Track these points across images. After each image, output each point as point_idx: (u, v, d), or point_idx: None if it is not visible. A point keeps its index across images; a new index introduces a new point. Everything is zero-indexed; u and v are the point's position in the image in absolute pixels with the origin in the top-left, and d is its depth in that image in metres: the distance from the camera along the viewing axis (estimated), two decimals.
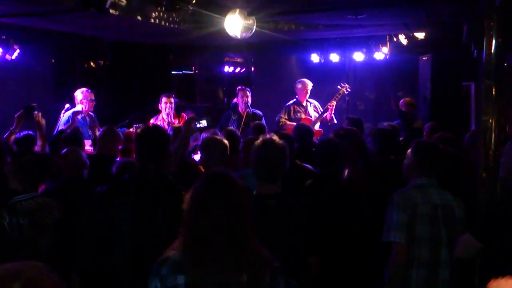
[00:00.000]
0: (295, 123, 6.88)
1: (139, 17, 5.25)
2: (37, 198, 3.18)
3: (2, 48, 6.74)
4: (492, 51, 3.61)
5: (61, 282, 1.49)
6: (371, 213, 3.77)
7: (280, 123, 7.05)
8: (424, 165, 3.06)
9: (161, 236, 2.65)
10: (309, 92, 7.22)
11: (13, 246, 2.94)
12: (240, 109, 6.95)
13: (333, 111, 7.10)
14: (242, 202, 1.99)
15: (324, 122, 7.17)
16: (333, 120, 7.14)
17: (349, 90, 7.42)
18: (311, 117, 7.12)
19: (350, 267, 3.55)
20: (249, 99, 6.95)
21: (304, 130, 4.99)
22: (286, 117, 7.11)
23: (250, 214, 2.00)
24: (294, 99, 7.26)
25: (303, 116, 7.13)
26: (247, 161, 3.60)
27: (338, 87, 7.31)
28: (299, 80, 7.35)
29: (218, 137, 3.36)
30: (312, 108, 7.24)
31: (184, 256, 1.91)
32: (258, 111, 7.01)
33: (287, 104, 7.24)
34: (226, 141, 3.36)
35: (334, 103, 7.10)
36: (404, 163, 3.20)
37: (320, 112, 7.19)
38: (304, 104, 7.21)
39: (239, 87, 7.16)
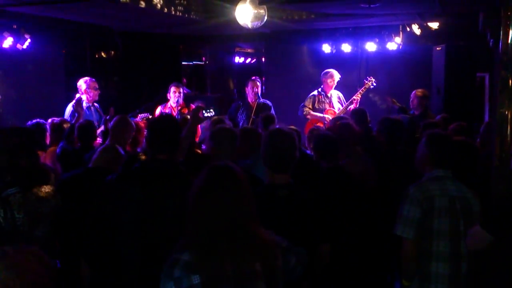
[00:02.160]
0: (318, 114, 6.90)
1: (149, 6, 5.22)
2: (33, 189, 3.08)
3: (14, 38, 6.75)
4: (509, 41, 3.54)
5: (50, 269, 1.55)
6: (379, 203, 3.76)
7: (304, 112, 7.01)
8: (439, 157, 3.01)
9: (169, 226, 2.64)
10: (335, 83, 7.12)
11: (6, 238, 2.90)
12: (249, 99, 6.91)
13: (357, 105, 6.95)
14: (246, 193, 1.97)
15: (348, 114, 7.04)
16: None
17: (375, 84, 7.20)
18: (334, 108, 7.06)
19: (360, 256, 3.54)
20: (259, 90, 6.90)
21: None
22: (310, 106, 7.05)
23: (254, 203, 1.99)
24: (320, 89, 7.16)
25: (327, 107, 7.06)
26: (244, 151, 3.59)
27: (364, 81, 7.18)
28: (326, 70, 7.24)
29: (227, 127, 3.32)
30: (336, 99, 7.16)
31: (195, 255, 1.87)
32: (267, 101, 6.96)
33: (312, 93, 7.15)
34: (235, 131, 3.33)
35: (359, 96, 6.98)
36: (417, 155, 3.16)
37: (343, 103, 7.12)
38: (329, 95, 7.13)
39: (252, 77, 7.09)
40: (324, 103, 7.09)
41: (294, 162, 2.77)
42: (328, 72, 7.17)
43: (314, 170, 3.66)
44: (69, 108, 6.09)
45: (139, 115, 6.15)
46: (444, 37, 7.64)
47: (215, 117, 4.84)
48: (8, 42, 6.71)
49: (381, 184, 3.89)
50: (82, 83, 6.23)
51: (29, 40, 6.92)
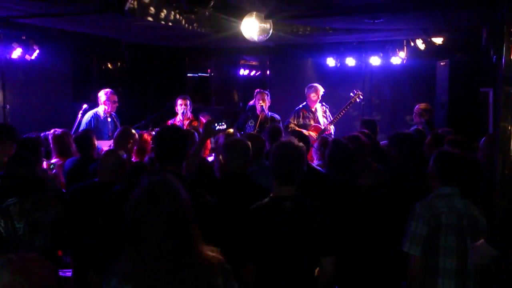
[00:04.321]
0: (303, 130, 6.84)
1: (157, 20, 5.29)
2: (32, 198, 3.10)
3: (22, 48, 6.85)
4: None
5: (53, 271, 1.62)
6: (387, 218, 3.75)
7: (289, 129, 6.90)
8: (447, 174, 3.03)
9: None
10: (319, 97, 7.09)
11: (8, 247, 2.92)
12: (257, 111, 6.92)
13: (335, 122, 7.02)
14: (183, 209, 1.90)
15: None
16: (331, 131, 7.00)
17: (362, 97, 7.25)
18: (320, 123, 7.05)
19: (365, 270, 3.54)
20: (266, 103, 6.89)
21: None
22: (295, 122, 7.01)
23: (192, 217, 1.92)
24: (304, 103, 7.14)
25: (312, 122, 7.04)
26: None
27: (351, 94, 7.21)
28: (310, 84, 7.21)
29: (241, 139, 3.38)
30: (321, 114, 7.12)
31: (130, 266, 1.87)
32: (276, 116, 6.93)
33: (297, 108, 7.13)
34: (248, 143, 3.38)
35: (343, 112, 7.03)
36: (427, 172, 3.18)
37: (328, 118, 7.10)
38: (313, 109, 7.10)
39: (257, 90, 7.10)
40: (309, 118, 7.04)
41: (301, 175, 2.81)
42: (312, 86, 7.12)
43: (323, 183, 3.65)
44: (87, 118, 6.19)
45: (155, 129, 6.17)
46: (448, 52, 7.69)
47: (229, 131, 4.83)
48: (17, 52, 6.80)
49: (394, 198, 3.89)
50: (102, 94, 6.37)
51: (37, 51, 7.02)
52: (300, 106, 7.14)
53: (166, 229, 1.85)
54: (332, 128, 7.00)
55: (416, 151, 4.50)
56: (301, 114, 7.07)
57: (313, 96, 7.05)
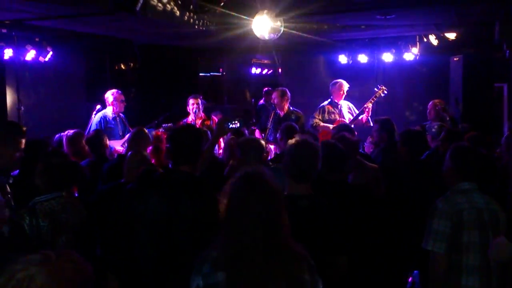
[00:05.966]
0: (329, 125, 6.84)
1: (168, 19, 5.31)
2: (59, 199, 3.13)
3: (36, 50, 6.93)
4: None
5: (88, 269, 1.54)
6: (383, 215, 3.72)
7: (314, 124, 6.92)
8: (465, 170, 2.99)
9: (183, 236, 2.68)
10: (345, 93, 7.06)
11: (30, 246, 2.94)
12: (278, 109, 6.92)
13: (369, 114, 6.92)
14: (277, 200, 2.00)
15: (359, 125, 6.96)
16: (369, 123, 6.85)
17: (386, 92, 7.16)
18: (345, 119, 7.01)
19: (377, 268, 3.52)
20: (276, 100, 6.82)
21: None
22: (320, 117, 6.98)
23: (284, 211, 2.01)
24: (329, 100, 7.10)
25: (337, 117, 7.00)
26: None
27: (375, 89, 7.12)
28: (335, 80, 7.17)
29: (254, 137, 3.39)
30: (346, 110, 7.08)
31: (223, 254, 1.94)
32: (298, 111, 6.87)
33: (322, 104, 7.09)
34: (262, 141, 3.41)
35: (370, 105, 6.93)
36: (443, 168, 3.14)
37: (354, 114, 7.05)
38: (339, 105, 7.06)
39: (279, 88, 7.08)
40: (334, 113, 7.00)
41: (316, 173, 2.80)
42: (337, 82, 7.08)
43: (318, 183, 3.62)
44: (97, 119, 6.25)
45: (163, 124, 6.22)
46: (462, 48, 7.62)
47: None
48: (30, 54, 6.89)
49: (392, 194, 3.86)
50: (109, 95, 6.40)
51: (51, 53, 7.10)
52: (325, 102, 7.11)
53: (259, 218, 1.93)
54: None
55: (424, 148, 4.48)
56: (326, 109, 7.04)
57: (338, 91, 7.01)
